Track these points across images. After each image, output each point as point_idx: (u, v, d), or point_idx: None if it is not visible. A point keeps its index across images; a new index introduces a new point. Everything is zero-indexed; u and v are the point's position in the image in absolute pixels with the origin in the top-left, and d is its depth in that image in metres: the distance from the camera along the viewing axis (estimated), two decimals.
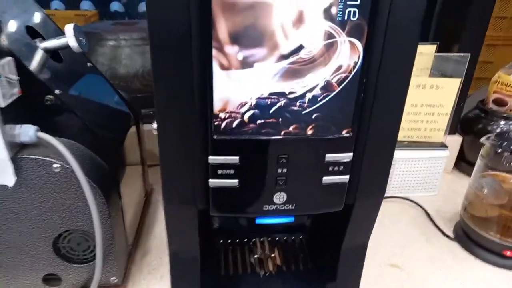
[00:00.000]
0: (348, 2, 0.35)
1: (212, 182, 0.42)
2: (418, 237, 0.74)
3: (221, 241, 0.62)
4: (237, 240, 0.62)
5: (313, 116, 0.40)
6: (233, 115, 0.39)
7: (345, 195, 0.46)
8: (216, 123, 0.39)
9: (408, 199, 0.83)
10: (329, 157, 0.42)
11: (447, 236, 0.74)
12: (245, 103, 0.38)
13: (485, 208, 0.69)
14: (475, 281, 0.65)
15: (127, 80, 1.06)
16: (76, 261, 0.55)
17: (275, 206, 0.45)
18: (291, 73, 0.37)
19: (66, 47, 0.55)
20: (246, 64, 0.36)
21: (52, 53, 0.56)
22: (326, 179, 0.44)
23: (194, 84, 0.38)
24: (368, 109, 0.41)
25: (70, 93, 0.55)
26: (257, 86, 0.38)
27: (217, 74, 0.37)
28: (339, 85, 0.39)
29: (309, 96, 0.39)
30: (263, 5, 0.34)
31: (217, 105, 0.38)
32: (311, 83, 0.38)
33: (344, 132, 0.41)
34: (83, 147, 0.51)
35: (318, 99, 0.39)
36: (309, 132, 0.41)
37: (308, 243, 0.63)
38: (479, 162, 0.71)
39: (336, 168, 0.43)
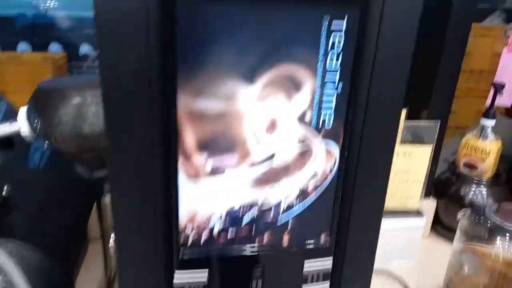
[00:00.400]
0: (323, 106, 0.33)
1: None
2: None
3: None
4: None
5: (289, 225, 0.36)
6: (201, 227, 0.35)
7: None
8: (182, 239, 0.35)
9: (387, 274, 0.80)
10: (308, 263, 0.39)
11: None
12: (215, 215, 0.35)
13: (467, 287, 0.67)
14: None
15: (93, 138, 1.01)
16: None
17: None
18: (264, 180, 0.34)
19: (17, 133, 0.50)
20: (215, 171, 0.33)
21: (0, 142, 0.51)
22: (306, 286, 0.40)
23: (157, 195, 0.34)
24: (347, 211, 0.38)
25: (20, 185, 0.50)
26: (227, 195, 0.34)
27: (184, 183, 0.33)
28: (315, 190, 0.36)
29: (283, 205, 0.35)
30: (233, 114, 0.31)
31: (183, 217, 0.34)
32: (285, 191, 0.35)
33: (322, 236, 0.38)
34: (30, 253, 0.45)
35: (294, 207, 0.36)
36: (285, 240, 0.37)
37: None
38: (458, 236, 0.69)
39: (315, 276, 0.39)
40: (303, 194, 0.35)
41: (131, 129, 0.31)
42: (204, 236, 0.35)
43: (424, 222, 0.82)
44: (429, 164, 0.81)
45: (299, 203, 0.35)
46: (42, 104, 0.51)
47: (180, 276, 0.36)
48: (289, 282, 0.39)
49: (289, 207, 0.36)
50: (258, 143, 0.33)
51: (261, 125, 0.32)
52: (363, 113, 0.34)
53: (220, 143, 0.32)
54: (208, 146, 0.32)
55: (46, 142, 0.59)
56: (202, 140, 0.32)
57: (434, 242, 0.93)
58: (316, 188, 0.35)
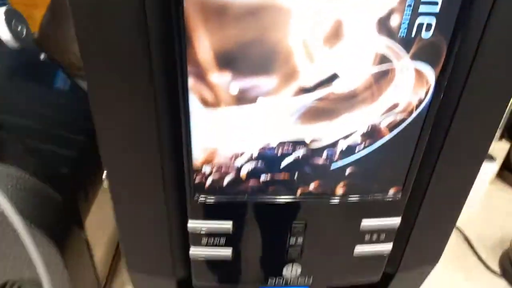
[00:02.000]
0: (421, 9, 0.20)
1: (194, 252, 0.30)
2: (457, 272, 0.61)
3: None
4: None
5: (347, 173, 0.26)
6: (223, 169, 0.25)
7: (384, 266, 0.33)
8: (197, 180, 0.26)
9: None
10: (366, 222, 0.29)
11: (493, 272, 0.61)
12: (242, 154, 0.25)
13: None
14: None
15: None
16: None
17: (285, 279, 0.32)
18: (317, 113, 0.24)
19: None
20: (243, 99, 0.23)
21: None
22: (360, 249, 0.31)
23: (159, 127, 0.24)
24: (430, 165, 0.27)
25: (12, 101, 0.42)
26: (261, 130, 0.24)
27: (197, 113, 0.23)
28: (391, 130, 0.25)
29: (342, 145, 0.25)
30: (274, 9, 0.20)
31: (198, 156, 0.25)
32: (347, 127, 0.24)
33: (391, 192, 0.28)
34: (27, 176, 0.38)
35: (357, 150, 0.25)
36: (339, 191, 0.27)
37: None
38: None
39: (374, 237, 0.30)
40: (373, 133, 0.24)
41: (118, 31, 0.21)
42: (227, 180, 0.26)
43: (496, 167, 0.70)
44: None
45: (366, 145, 0.25)
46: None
47: (196, 226, 0.28)
48: (339, 241, 0.30)
49: (350, 150, 0.25)
50: (311, 58, 0.22)
51: (317, 30, 0.21)
52: (484, 21, 0.22)
53: (250, 56, 0.21)
54: (233, 60, 0.21)
55: (43, 55, 0.49)
56: (223, 51, 0.21)
57: (499, 190, 0.81)
58: (393, 126, 0.24)
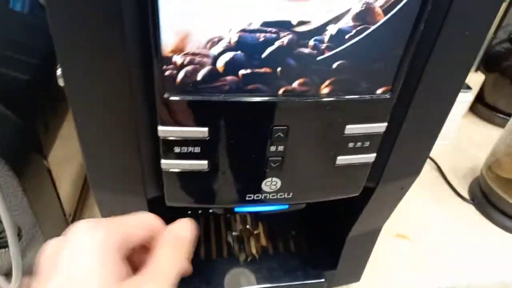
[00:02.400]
0: None
1: (166, 164, 0.27)
2: (429, 199, 0.62)
3: (189, 211, 0.48)
4: (210, 211, 0.48)
5: (334, 65, 0.24)
6: (197, 59, 0.22)
7: (365, 179, 0.31)
8: (167, 73, 0.22)
9: None
10: (351, 128, 0.27)
11: (463, 198, 0.62)
12: (219, 40, 0.22)
13: None
14: (493, 252, 0.54)
15: None
16: None
17: (264, 195, 0.30)
18: None
19: None
20: None
21: None
22: (342, 159, 0.29)
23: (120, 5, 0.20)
24: (419, 67, 0.25)
25: None
26: (240, 9, 0.21)
27: None
28: (386, 13, 0.22)
29: (332, 30, 0.22)
30: None
31: (168, 41, 0.21)
32: (337, 6, 0.21)
33: (379, 91, 0.25)
34: None
35: (347, 36, 0.22)
36: (325, 90, 0.25)
37: (304, 220, 0.50)
38: None
39: (358, 144, 0.28)
40: (367, 15, 0.22)
41: None
42: (202, 73, 0.23)
43: (471, 97, 0.70)
44: (496, 26, 0.65)
45: (356, 30, 0.22)
46: None
47: (167, 131, 0.25)
48: (321, 148, 0.28)
49: (340, 37, 0.22)
50: None
51: None
52: None
53: None
54: None
55: None
56: None
57: (471, 123, 0.81)
58: (389, 6, 0.21)
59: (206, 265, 0.42)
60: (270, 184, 0.29)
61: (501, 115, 0.79)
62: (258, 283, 0.41)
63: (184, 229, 0.21)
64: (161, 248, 0.20)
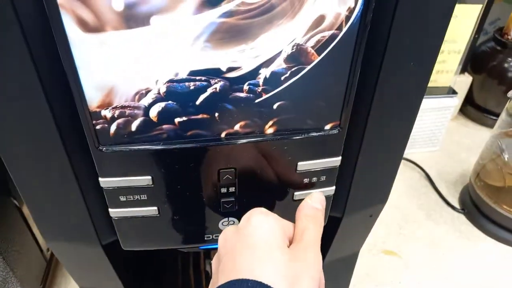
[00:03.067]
0: None
1: (114, 212, 0.26)
2: (418, 210, 0.61)
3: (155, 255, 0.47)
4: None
5: (275, 106, 0.23)
6: (127, 111, 0.21)
7: (329, 210, 0.30)
8: (98, 127, 0.22)
9: (405, 159, 0.69)
10: (303, 165, 0.26)
11: (453, 207, 0.61)
12: (147, 91, 0.21)
13: (503, 177, 0.55)
14: (485, 264, 0.53)
15: None
16: None
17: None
18: (229, 34, 0.19)
19: None
20: (133, 19, 0.18)
21: None
22: (300, 194, 0.28)
23: (37, 66, 0.19)
24: (370, 90, 0.24)
25: None
26: (164, 60, 0.20)
27: (77, 40, 0.18)
28: (319, 53, 0.21)
29: (265, 73, 0.21)
30: None
31: (92, 97, 0.21)
32: (267, 51, 0.20)
33: (327, 127, 0.24)
34: None
35: (283, 78, 0.22)
36: (269, 130, 0.24)
37: None
38: (503, 117, 0.55)
39: (314, 179, 0.27)
40: (299, 56, 0.21)
41: None
42: (135, 124, 0.22)
43: (457, 102, 0.68)
44: (474, 29, 0.63)
45: (292, 72, 0.21)
46: None
47: (109, 183, 0.24)
48: (275, 187, 0.27)
49: (275, 79, 0.21)
50: None
51: None
52: None
53: None
54: None
55: None
56: None
57: (461, 126, 0.80)
58: (321, 46, 0.20)
59: None
60: (227, 223, 0.28)
61: (491, 116, 0.77)
62: None
63: (317, 202, 0.25)
64: (305, 220, 0.24)
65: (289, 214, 0.29)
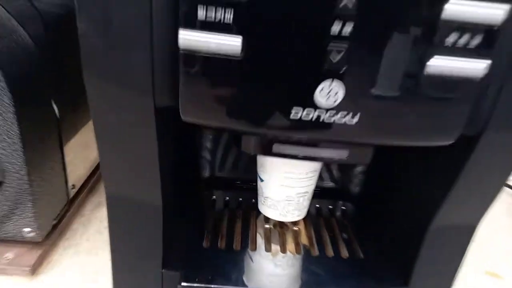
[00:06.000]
0: None
1: (185, 36, 0.19)
2: None
3: (213, 197, 0.39)
4: (240, 199, 0.39)
5: None
6: None
7: (467, 112, 0.21)
8: None
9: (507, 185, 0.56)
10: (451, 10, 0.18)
11: None
12: None
13: None
14: None
15: None
16: None
17: (318, 112, 0.21)
18: None
19: None
20: None
21: None
22: (437, 62, 0.20)
23: None
24: None
25: None
26: None
27: None
28: None
29: None
30: None
31: None
32: None
33: None
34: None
35: None
36: None
37: (357, 215, 0.39)
38: None
39: (463, 40, 0.19)
40: None
41: None
42: None
43: None
44: None
45: None
46: None
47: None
48: (406, 40, 0.19)
49: None
50: None
51: None
52: None
53: None
54: None
55: None
56: None
57: None
58: None
59: (226, 259, 0.32)
60: (328, 93, 0.20)
61: None
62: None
63: None
64: None
65: (414, 101, 0.21)
